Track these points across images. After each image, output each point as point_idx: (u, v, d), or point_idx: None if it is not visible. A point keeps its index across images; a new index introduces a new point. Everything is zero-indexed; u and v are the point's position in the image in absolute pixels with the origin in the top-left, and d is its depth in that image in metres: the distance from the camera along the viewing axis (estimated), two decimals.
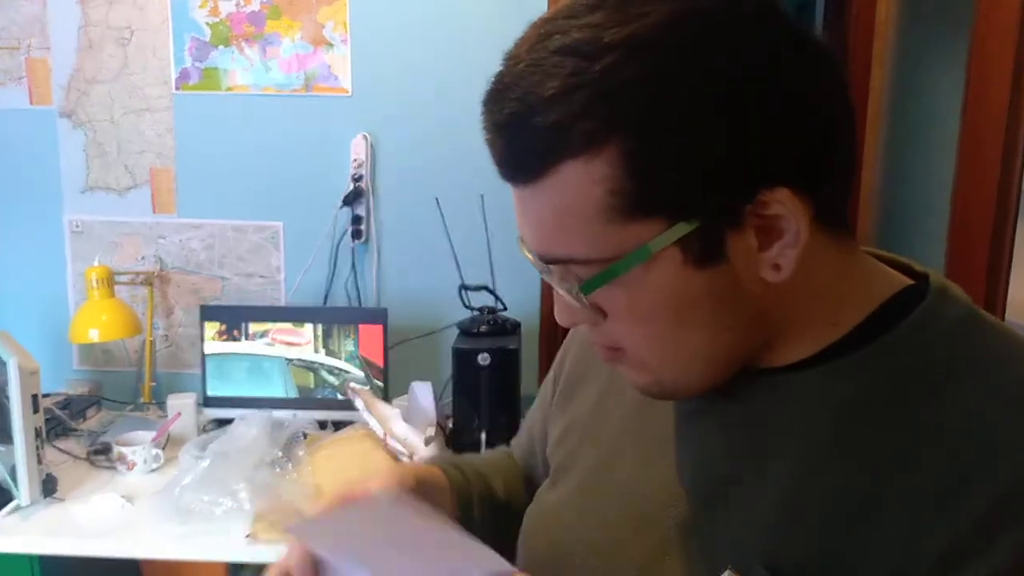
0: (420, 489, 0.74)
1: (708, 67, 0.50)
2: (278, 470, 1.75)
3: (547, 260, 0.57)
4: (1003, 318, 1.87)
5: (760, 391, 0.59)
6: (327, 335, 2.12)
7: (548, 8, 2.16)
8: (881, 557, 0.52)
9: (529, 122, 0.52)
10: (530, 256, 0.59)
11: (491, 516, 0.81)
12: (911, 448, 0.53)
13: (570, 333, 0.83)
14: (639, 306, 0.56)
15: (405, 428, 1.89)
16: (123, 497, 1.75)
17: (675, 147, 0.50)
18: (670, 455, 0.64)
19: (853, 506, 0.54)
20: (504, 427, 1.91)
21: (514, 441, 0.94)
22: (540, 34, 0.53)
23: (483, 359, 1.95)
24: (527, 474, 0.88)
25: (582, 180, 0.52)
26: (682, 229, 0.51)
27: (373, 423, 1.88)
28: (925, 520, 0.51)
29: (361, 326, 2.11)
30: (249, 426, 1.81)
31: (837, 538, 0.54)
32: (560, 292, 0.58)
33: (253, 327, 2.13)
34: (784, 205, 0.52)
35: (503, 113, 0.54)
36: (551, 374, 0.84)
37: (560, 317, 0.61)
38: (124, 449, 1.88)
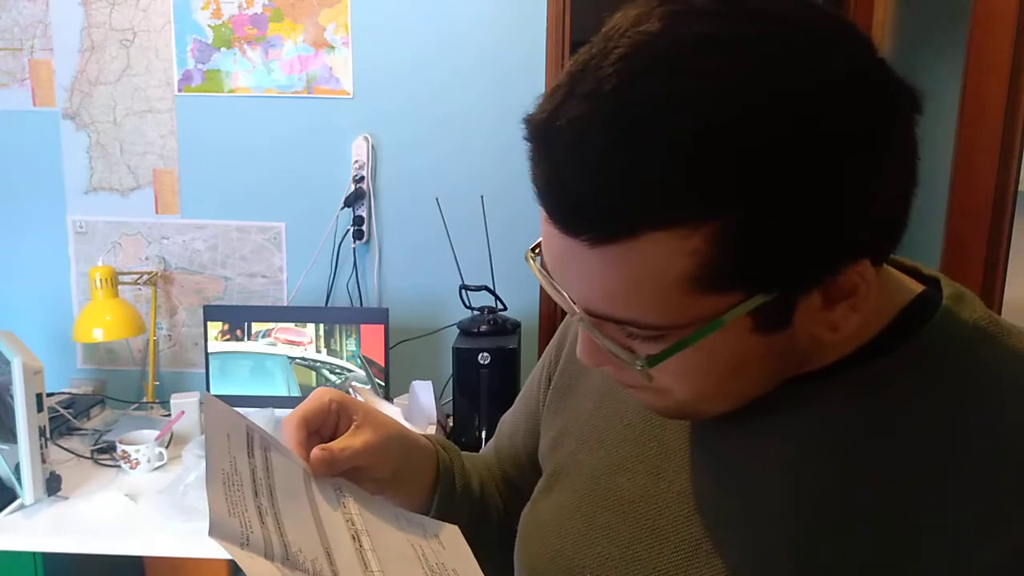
0: (399, 440, 0.70)
1: (832, 144, 0.45)
2: None
3: (599, 317, 0.52)
4: None
5: (783, 401, 0.57)
6: (329, 335, 2.13)
7: (548, 10, 2.21)
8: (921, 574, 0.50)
9: (615, 180, 0.45)
10: (561, 295, 0.53)
11: (466, 497, 0.78)
12: (942, 463, 0.51)
13: (562, 328, 0.80)
14: (691, 367, 0.53)
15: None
16: (127, 495, 1.77)
17: (787, 226, 0.45)
18: (684, 467, 0.62)
19: (885, 523, 0.52)
20: None
21: (491, 444, 0.90)
22: (631, 72, 0.45)
23: (483, 359, 1.96)
24: (504, 474, 0.85)
25: (670, 251, 0.46)
26: (759, 300, 0.48)
27: None
28: (964, 542, 0.49)
29: (362, 326, 2.12)
30: None
31: (868, 556, 0.52)
32: (606, 347, 0.53)
33: (256, 327, 2.15)
34: (863, 275, 0.49)
35: (578, 160, 0.46)
36: (541, 372, 0.81)
37: (588, 358, 0.57)
38: (128, 448, 1.89)
